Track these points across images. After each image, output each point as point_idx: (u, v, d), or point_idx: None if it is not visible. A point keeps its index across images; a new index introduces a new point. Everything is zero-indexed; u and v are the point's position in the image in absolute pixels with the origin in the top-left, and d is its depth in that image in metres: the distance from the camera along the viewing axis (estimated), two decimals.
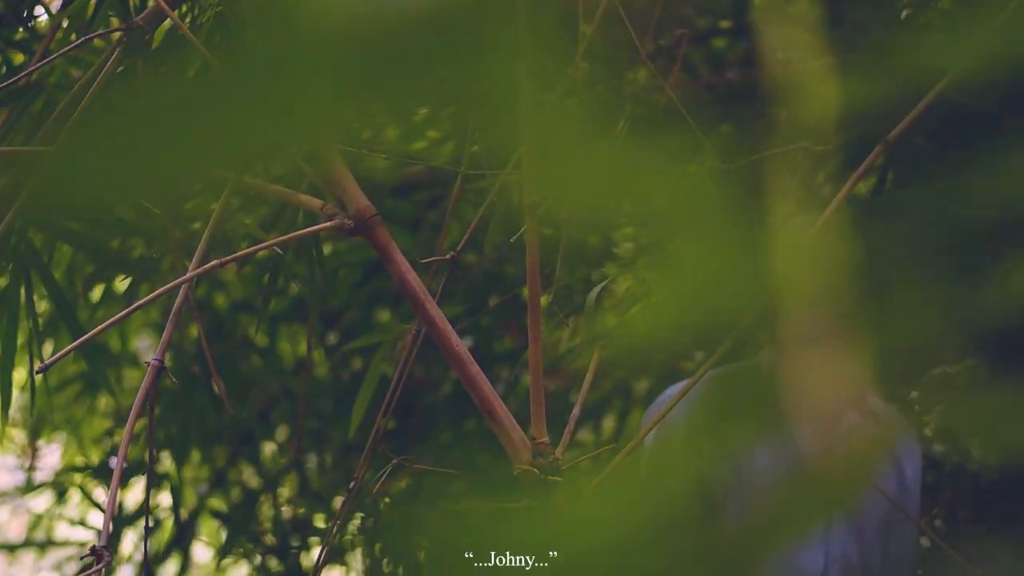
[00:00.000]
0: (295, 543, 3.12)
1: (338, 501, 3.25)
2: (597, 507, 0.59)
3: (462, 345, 1.31)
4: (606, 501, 0.60)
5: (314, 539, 3.17)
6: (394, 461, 1.66)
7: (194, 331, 2.47)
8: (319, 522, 3.13)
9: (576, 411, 1.36)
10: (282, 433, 2.94)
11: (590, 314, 1.46)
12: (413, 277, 1.30)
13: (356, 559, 3.53)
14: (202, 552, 3.68)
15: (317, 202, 1.31)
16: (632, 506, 0.59)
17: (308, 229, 1.27)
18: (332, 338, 2.54)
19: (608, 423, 3.04)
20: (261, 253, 1.90)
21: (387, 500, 2.95)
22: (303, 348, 2.54)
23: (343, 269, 2.23)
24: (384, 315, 2.44)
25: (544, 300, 1.68)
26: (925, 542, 3.18)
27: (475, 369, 1.29)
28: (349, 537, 3.15)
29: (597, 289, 1.47)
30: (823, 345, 0.72)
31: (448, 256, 1.47)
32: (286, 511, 3.09)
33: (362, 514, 2.98)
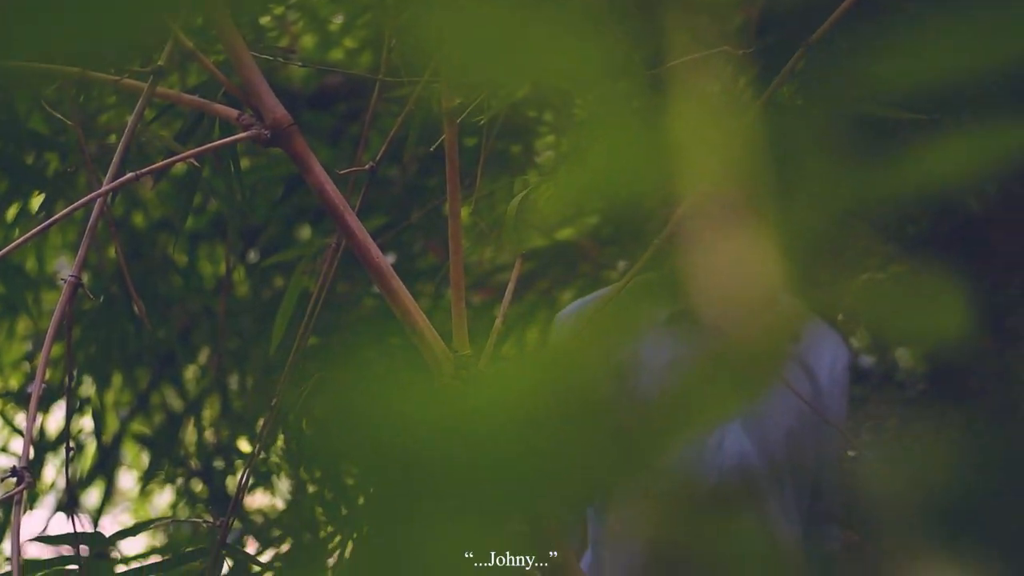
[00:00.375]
0: (219, 466, 3.11)
1: (262, 423, 3.23)
2: (506, 384, 0.58)
3: (382, 257, 1.30)
4: (514, 379, 0.59)
5: (239, 462, 3.15)
6: (315, 378, 1.65)
7: (112, 251, 2.43)
8: (243, 445, 3.11)
9: (498, 322, 1.35)
10: (204, 355, 2.92)
11: (511, 225, 1.45)
12: (332, 188, 1.28)
13: (282, 482, 3.52)
14: (127, 478, 3.66)
15: (233, 112, 1.29)
16: (539, 384, 0.58)
17: (225, 140, 1.24)
18: (252, 256, 2.51)
19: (533, 336, 3.03)
20: (178, 169, 1.87)
21: (309, 420, 2.94)
22: (223, 267, 2.51)
23: (262, 185, 2.20)
24: (305, 231, 2.42)
25: (465, 213, 1.67)
26: (852, 453, 3.18)
27: (396, 282, 1.27)
28: (275, 459, 3.14)
29: (518, 199, 1.45)
30: (731, 233, 0.72)
31: (367, 167, 1.45)
32: (209, 434, 3.07)
33: (286, 435, 2.97)
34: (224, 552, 1.46)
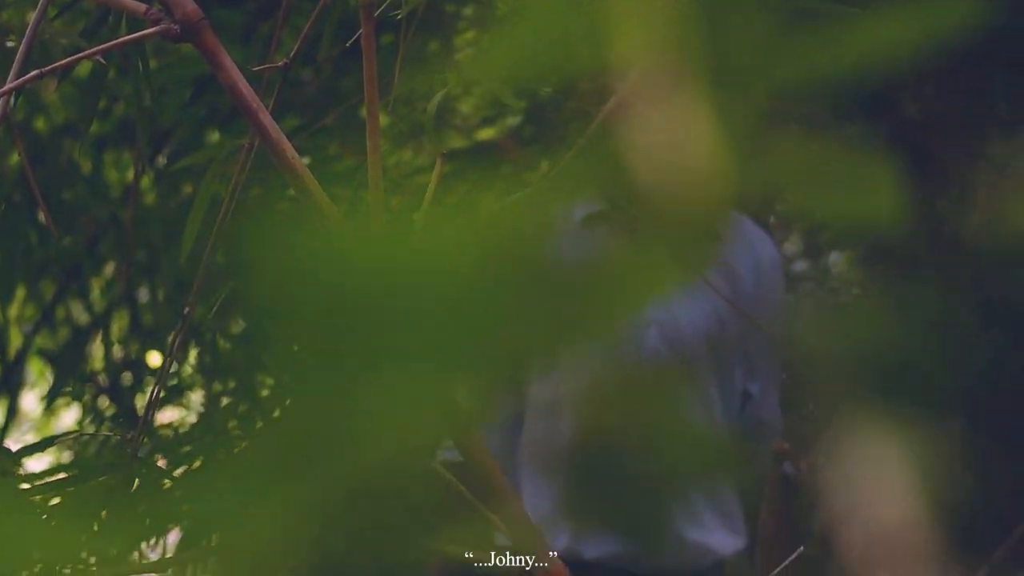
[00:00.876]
0: (128, 383, 3.04)
1: (173, 336, 3.16)
2: (442, 237, 0.54)
3: (298, 158, 1.25)
4: (450, 235, 0.55)
5: (149, 378, 3.09)
6: (228, 288, 1.60)
7: (14, 157, 2.35)
8: (154, 359, 3.05)
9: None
10: (112, 267, 2.84)
11: (431, 126, 1.40)
12: (245, 85, 1.22)
13: (195, 398, 3.46)
14: (31, 399, 3.58)
15: (141, 6, 1.23)
16: (475, 241, 0.54)
17: (132, 36, 1.19)
18: (161, 161, 2.44)
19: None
20: (82, 70, 1.80)
21: (223, 335, 2.89)
22: (131, 173, 2.44)
23: (171, 85, 2.12)
24: (215, 135, 2.34)
25: (383, 114, 1.62)
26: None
27: (313, 184, 1.23)
28: (188, 374, 3.08)
29: (437, 98, 1.40)
30: (663, 114, 0.68)
31: (280, 64, 1.40)
32: (117, 349, 3.00)
33: (199, 349, 2.92)
34: (135, 466, 1.41)
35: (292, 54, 1.39)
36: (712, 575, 2.29)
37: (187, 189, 2.48)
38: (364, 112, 1.29)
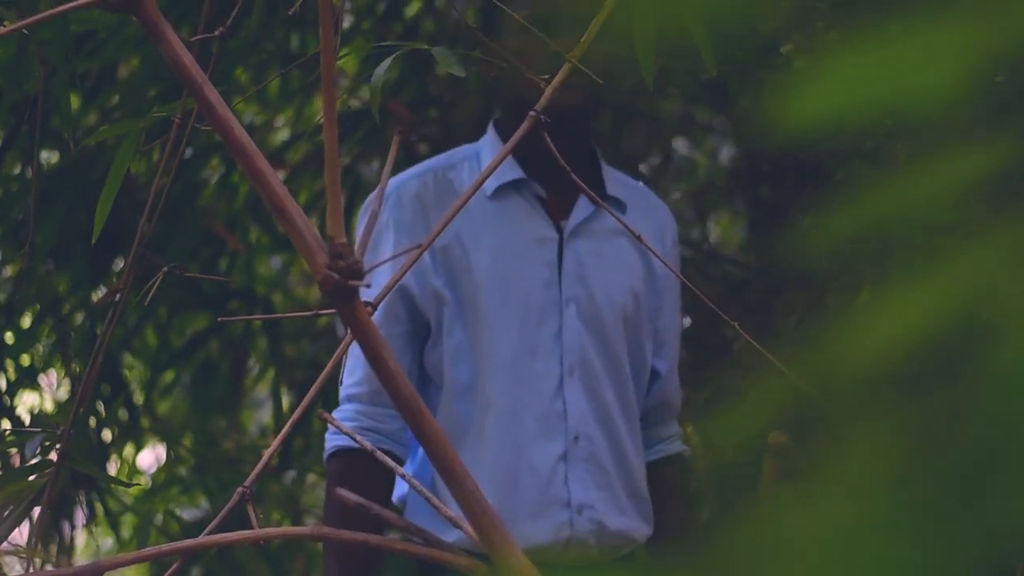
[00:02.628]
0: None
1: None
2: None
3: (246, 135, 1.17)
4: None
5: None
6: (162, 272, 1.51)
7: None
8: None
9: (375, 207, 1.23)
10: None
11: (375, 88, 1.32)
12: (188, 58, 1.14)
13: (51, 378, 3.36)
14: None
15: None
16: None
17: (69, 5, 1.09)
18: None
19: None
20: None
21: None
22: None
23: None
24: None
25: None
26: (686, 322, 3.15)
27: (262, 162, 1.15)
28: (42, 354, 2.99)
29: (385, 65, 1.32)
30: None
31: (217, 33, 1.31)
32: None
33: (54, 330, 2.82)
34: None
35: (229, 23, 1.30)
36: (626, 562, 2.27)
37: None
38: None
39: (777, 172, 3.29)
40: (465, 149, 2.34)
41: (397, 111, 3.00)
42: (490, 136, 2.30)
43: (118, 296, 1.34)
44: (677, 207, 3.62)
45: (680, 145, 3.89)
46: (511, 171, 2.21)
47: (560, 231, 2.23)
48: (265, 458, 1.35)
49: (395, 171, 2.23)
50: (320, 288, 1.16)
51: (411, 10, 3.19)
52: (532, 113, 1.37)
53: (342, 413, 2.19)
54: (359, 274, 1.17)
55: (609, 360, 2.23)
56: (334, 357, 1.43)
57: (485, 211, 2.22)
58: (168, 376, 3.55)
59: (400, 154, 3.10)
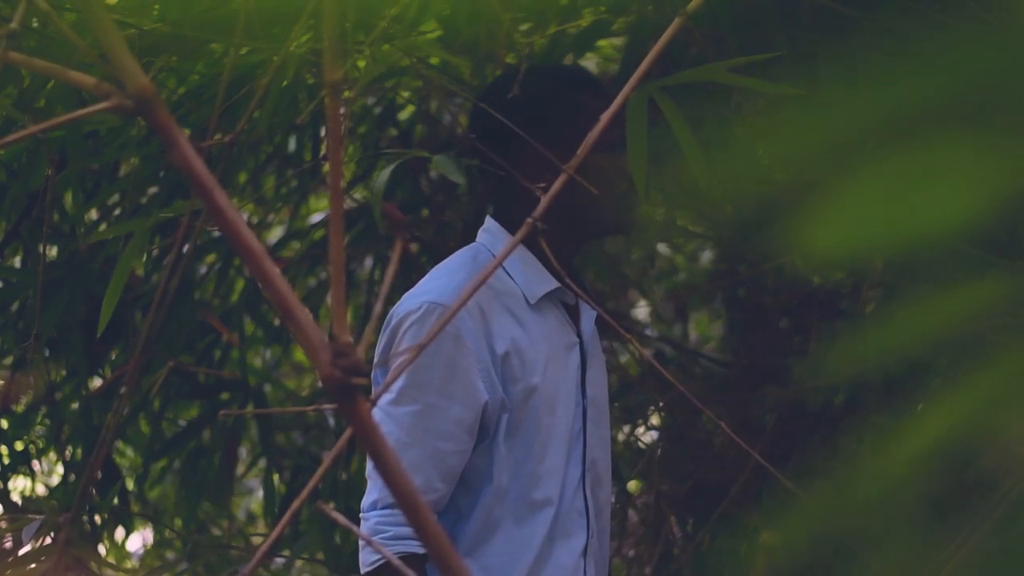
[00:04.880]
0: None
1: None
2: None
3: (255, 239, 1.21)
4: None
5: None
6: (166, 368, 1.55)
7: None
8: None
9: (378, 307, 1.27)
10: None
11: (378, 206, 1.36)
12: (199, 163, 1.18)
13: (45, 464, 3.38)
14: None
15: (91, 80, 1.19)
16: None
17: (86, 110, 1.14)
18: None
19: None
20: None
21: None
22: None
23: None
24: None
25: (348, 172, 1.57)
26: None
27: (270, 266, 1.19)
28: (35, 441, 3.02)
29: (387, 172, 1.36)
30: None
31: (227, 139, 1.36)
32: None
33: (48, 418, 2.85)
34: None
35: (237, 131, 1.35)
36: None
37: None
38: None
39: (755, 275, 3.36)
40: (480, 256, 2.33)
41: (390, 212, 3.03)
42: (496, 231, 2.32)
43: (123, 389, 1.38)
44: (659, 306, 3.73)
45: (662, 248, 3.98)
46: (548, 280, 2.29)
47: (580, 336, 2.37)
48: (264, 548, 1.39)
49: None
50: (323, 385, 1.21)
51: (404, 114, 3.26)
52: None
53: (367, 523, 2.17)
54: (361, 372, 1.21)
55: (605, 455, 2.39)
56: (332, 452, 1.47)
57: (529, 320, 2.29)
58: (161, 464, 3.57)
59: (386, 251, 3.16)
